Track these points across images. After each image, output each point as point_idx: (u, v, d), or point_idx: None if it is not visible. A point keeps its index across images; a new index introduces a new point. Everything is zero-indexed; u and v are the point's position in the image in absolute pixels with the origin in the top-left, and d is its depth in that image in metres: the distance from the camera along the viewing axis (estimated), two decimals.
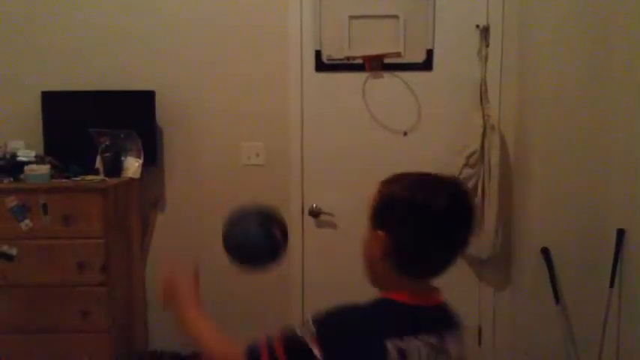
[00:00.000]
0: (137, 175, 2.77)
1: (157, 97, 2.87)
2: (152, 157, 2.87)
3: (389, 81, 2.90)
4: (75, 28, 2.94)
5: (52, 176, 2.59)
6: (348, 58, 2.88)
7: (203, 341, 1.30)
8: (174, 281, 1.40)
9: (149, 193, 3.00)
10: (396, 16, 2.85)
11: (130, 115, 2.86)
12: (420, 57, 2.88)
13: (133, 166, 2.77)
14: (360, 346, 1.10)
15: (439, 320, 1.19)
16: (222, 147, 2.97)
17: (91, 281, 2.53)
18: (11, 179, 2.58)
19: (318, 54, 2.90)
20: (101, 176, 2.67)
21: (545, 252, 2.38)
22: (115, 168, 2.72)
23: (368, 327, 1.12)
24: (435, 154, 2.87)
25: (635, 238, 1.80)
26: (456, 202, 1.16)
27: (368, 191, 1.22)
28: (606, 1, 2.02)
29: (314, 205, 2.94)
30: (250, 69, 2.93)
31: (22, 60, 2.96)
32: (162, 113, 2.91)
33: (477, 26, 2.82)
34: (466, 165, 2.77)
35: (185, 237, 2.99)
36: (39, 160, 2.67)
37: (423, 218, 1.13)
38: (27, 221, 2.51)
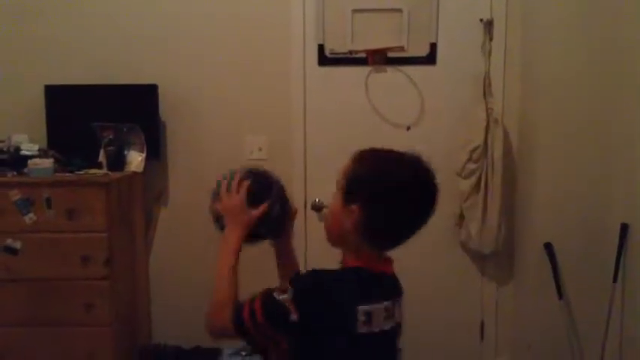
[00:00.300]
0: (140, 169, 2.78)
1: (160, 91, 2.87)
2: (155, 150, 2.87)
3: (392, 75, 2.89)
4: (78, 21, 2.94)
5: (56, 170, 2.59)
6: (351, 52, 2.87)
7: (218, 280, 1.35)
8: (240, 197, 1.42)
9: (152, 187, 3.00)
10: (399, 10, 2.84)
11: (133, 108, 2.86)
12: (423, 51, 2.87)
13: (136, 160, 2.77)
14: (333, 311, 1.19)
15: (393, 287, 1.32)
16: (225, 141, 2.97)
17: (95, 275, 2.53)
18: (15, 173, 2.58)
19: (321, 48, 2.90)
20: (104, 170, 2.67)
21: (548, 247, 2.38)
22: (118, 162, 2.72)
23: (342, 293, 1.21)
24: (438, 148, 2.86)
25: (638, 233, 1.79)
26: (422, 178, 1.24)
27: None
28: None
29: (317, 200, 2.94)
30: (253, 63, 2.92)
31: (26, 54, 2.96)
32: (165, 107, 2.91)
33: (481, 20, 2.80)
34: (469, 159, 2.76)
35: (188, 231, 2.99)
36: (42, 153, 2.67)
37: (395, 194, 1.21)
38: (31, 215, 2.51)
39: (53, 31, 2.94)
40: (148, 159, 2.80)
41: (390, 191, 1.22)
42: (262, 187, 1.44)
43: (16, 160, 2.62)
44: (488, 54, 2.81)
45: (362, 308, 1.20)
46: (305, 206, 2.94)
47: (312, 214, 2.95)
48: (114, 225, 2.58)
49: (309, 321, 1.18)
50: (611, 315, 1.91)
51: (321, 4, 2.87)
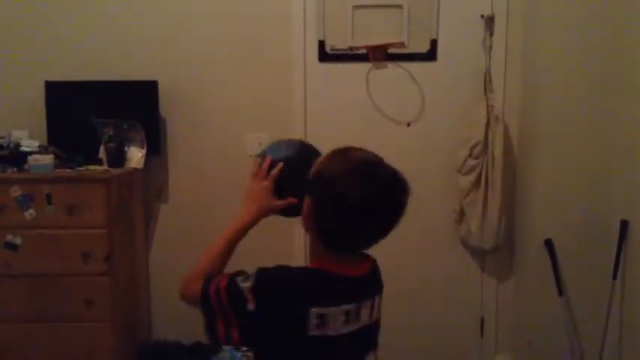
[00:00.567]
0: (140, 166, 2.78)
1: (160, 87, 2.86)
2: (155, 147, 2.87)
3: (393, 71, 2.88)
4: (78, 18, 2.93)
5: (56, 166, 2.59)
6: (351, 49, 2.87)
7: (210, 249, 1.37)
8: (265, 185, 1.40)
9: (152, 184, 3.00)
10: (400, 6, 2.83)
11: (134, 105, 2.85)
12: (424, 47, 2.87)
13: (136, 156, 2.77)
14: (286, 308, 1.18)
15: (360, 289, 1.26)
16: (225, 137, 2.97)
17: (95, 271, 2.54)
18: (15, 169, 2.59)
19: (321, 44, 2.89)
20: (104, 166, 2.67)
21: (548, 243, 2.38)
22: (118, 158, 2.72)
23: (298, 293, 1.19)
24: (439, 144, 2.87)
25: (638, 230, 1.79)
26: (380, 196, 1.17)
27: None
28: None
29: None
30: (253, 59, 2.92)
31: (26, 50, 2.95)
32: (166, 103, 2.91)
33: (482, 16, 2.80)
34: (470, 156, 2.76)
35: (188, 227, 3.00)
36: (42, 150, 2.67)
37: (341, 209, 1.16)
38: (31, 211, 2.51)
39: (53, 27, 2.94)
40: (148, 155, 2.80)
41: (334, 198, 1.17)
42: (295, 178, 1.36)
43: (17, 157, 2.62)
44: (489, 50, 2.81)
45: (315, 311, 1.17)
46: None
47: None
48: (114, 221, 2.58)
49: (263, 315, 1.18)
50: (610, 311, 1.91)
51: (321, 1, 2.86)
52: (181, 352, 2.90)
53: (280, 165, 1.41)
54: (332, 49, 2.90)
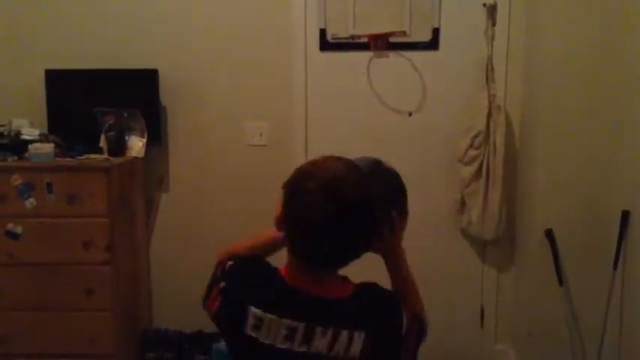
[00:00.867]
0: (141, 154, 2.77)
1: (161, 76, 2.86)
2: (156, 136, 2.87)
3: (394, 60, 2.87)
4: (79, 6, 2.92)
5: (56, 155, 2.59)
6: (352, 37, 2.85)
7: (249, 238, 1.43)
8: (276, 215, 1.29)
9: (153, 172, 3.00)
10: None
11: (134, 93, 2.85)
12: (426, 36, 2.85)
13: (136, 145, 2.77)
14: (233, 302, 1.20)
15: (319, 311, 1.16)
16: (226, 126, 2.96)
17: (96, 260, 2.54)
18: (15, 158, 2.59)
19: (322, 33, 2.87)
20: (105, 155, 2.67)
21: (549, 233, 2.37)
22: (118, 147, 2.72)
23: (247, 290, 1.20)
24: (440, 134, 2.86)
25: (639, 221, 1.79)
26: (305, 209, 1.11)
27: None
28: None
29: None
30: (254, 48, 2.90)
31: (26, 38, 2.95)
32: (166, 92, 2.90)
33: (484, 5, 2.77)
34: (471, 146, 2.75)
35: (189, 215, 3.00)
36: (43, 138, 2.67)
37: (293, 227, 1.15)
38: (32, 200, 2.51)
39: (54, 15, 2.92)
40: (148, 144, 2.79)
41: (284, 204, 1.16)
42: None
43: (17, 145, 2.62)
44: (492, 39, 2.78)
45: (254, 310, 1.16)
46: None
47: None
48: (115, 210, 2.58)
49: (221, 311, 1.23)
50: (611, 302, 1.91)
51: None
52: (182, 340, 2.91)
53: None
54: (333, 38, 2.88)
